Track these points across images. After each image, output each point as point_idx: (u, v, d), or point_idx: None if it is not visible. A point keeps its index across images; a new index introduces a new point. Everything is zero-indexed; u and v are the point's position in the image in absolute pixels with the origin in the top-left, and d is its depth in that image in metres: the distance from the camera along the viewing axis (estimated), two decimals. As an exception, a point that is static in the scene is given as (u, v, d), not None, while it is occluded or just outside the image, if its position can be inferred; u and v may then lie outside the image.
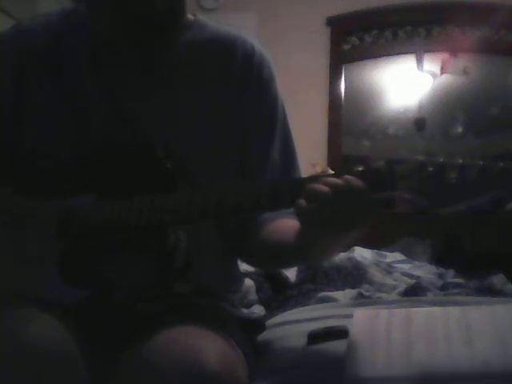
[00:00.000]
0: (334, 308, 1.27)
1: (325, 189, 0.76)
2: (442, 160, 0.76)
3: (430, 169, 0.76)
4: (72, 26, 1.00)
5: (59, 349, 0.75)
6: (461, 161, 0.75)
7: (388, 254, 2.28)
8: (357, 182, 0.76)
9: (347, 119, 3.69)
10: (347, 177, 0.77)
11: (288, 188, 0.81)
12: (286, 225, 0.93)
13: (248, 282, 1.72)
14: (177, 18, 1.00)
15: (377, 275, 1.78)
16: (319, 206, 0.76)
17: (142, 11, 0.92)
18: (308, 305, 1.43)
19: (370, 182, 0.77)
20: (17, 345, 0.73)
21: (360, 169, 0.79)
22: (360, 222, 0.77)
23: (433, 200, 0.77)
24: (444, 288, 1.62)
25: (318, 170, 3.26)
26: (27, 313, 0.78)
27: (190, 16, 1.03)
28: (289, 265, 1.36)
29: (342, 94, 3.71)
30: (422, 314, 1.01)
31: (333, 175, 0.79)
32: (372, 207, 0.77)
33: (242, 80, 1.00)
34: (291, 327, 1.13)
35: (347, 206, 0.75)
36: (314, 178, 0.80)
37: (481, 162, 0.75)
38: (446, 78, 3.56)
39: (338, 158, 3.60)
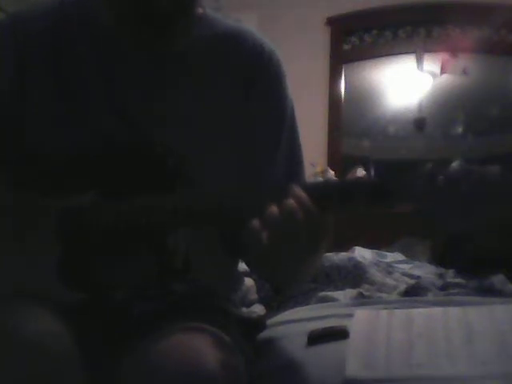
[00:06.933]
0: (334, 308, 1.27)
1: (274, 216, 0.72)
2: (448, 171, 0.73)
3: (435, 180, 0.73)
4: (71, 18, 0.96)
5: (58, 347, 0.75)
6: (468, 171, 0.72)
7: (388, 254, 2.27)
8: (311, 206, 0.73)
9: (347, 119, 3.69)
10: (302, 199, 0.73)
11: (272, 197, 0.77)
12: None
13: (248, 281, 1.72)
14: (185, 13, 0.94)
15: (377, 275, 1.78)
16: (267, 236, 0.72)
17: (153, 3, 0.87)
18: (308, 304, 1.43)
19: (370, 192, 0.75)
20: (16, 342, 0.73)
21: (360, 177, 0.78)
22: (315, 247, 0.76)
23: (437, 217, 0.73)
24: (444, 288, 1.61)
25: (318, 170, 3.26)
26: (27, 311, 0.78)
27: (198, 10, 0.98)
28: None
29: (342, 94, 3.71)
30: (422, 315, 1.01)
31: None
32: (323, 231, 0.75)
33: (250, 77, 0.97)
34: (291, 327, 1.13)
35: (297, 232, 0.73)
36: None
37: (489, 170, 0.71)
38: (446, 78, 3.57)
39: (337, 158, 3.60)
